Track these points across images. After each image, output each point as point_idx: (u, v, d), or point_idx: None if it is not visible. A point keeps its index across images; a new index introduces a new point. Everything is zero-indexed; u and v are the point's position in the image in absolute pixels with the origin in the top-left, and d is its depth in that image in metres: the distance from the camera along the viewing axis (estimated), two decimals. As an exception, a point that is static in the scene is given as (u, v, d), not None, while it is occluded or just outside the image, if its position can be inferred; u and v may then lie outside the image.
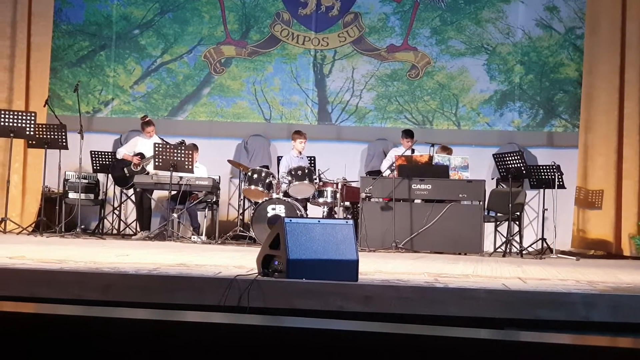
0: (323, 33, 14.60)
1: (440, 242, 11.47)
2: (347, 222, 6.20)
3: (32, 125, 11.97)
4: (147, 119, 13.21)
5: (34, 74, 13.57)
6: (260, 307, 5.56)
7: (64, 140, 12.16)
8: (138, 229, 12.96)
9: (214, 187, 12.54)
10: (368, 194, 11.66)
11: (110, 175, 13.46)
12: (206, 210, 13.00)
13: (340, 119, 14.58)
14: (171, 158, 11.99)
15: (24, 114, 12.11)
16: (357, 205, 12.17)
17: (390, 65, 14.56)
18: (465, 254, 11.28)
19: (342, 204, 12.23)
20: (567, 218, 13.01)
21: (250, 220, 12.25)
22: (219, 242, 12.18)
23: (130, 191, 13.33)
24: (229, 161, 13.52)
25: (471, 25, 14.41)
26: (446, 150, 12.57)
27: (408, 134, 13.08)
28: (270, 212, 11.85)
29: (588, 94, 13.13)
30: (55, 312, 3.97)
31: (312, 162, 13.45)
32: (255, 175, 12.18)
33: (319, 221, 6.14)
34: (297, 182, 12.07)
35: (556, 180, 11.81)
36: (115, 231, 13.80)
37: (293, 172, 12.13)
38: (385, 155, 13.65)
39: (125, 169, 12.87)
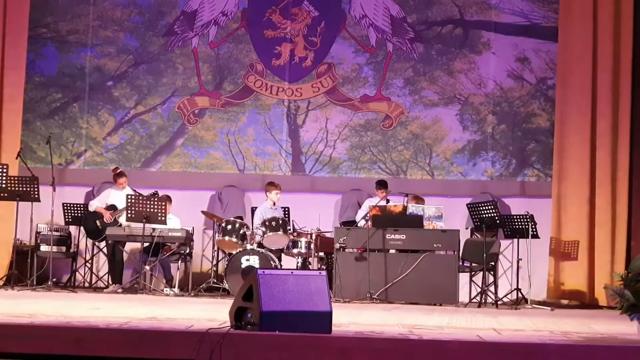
0: (297, 83, 14.65)
1: (415, 293, 11.44)
2: (320, 273, 6.19)
3: (4, 178, 11.89)
4: (119, 171, 13.16)
5: (6, 125, 13.48)
6: (232, 361, 5.51)
7: (36, 193, 12.08)
8: (110, 282, 12.86)
9: (187, 239, 12.47)
10: (342, 245, 11.64)
11: (82, 228, 13.37)
12: (179, 262, 12.91)
13: (314, 170, 14.57)
14: (144, 209, 11.94)
15: (-4, 166, 12.03)
16: (331, 255, 12.14)
17: (364, 116, 14.60)
18: (441, 305, 11.25)
19: (316, 254, 12.20)
20: (542, 267, 13.00)
21: (224, 271, 12.18)
22: (192, 294, 12.10)
23: (103, 243, 13.23)
24: (203, 212, 13.47)
25: (444, 76, 14.50)
26: (418, 199, 12.59)
27: (382, 184, 13.10)
28: (245, 263, 11.81)
29: (560, 144, 13.19)
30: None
31: (286, 212, 13.42)
32: (229, 226, 12.15)
33: (292, 272, 6.13)
34: (271, 233, 12.04)
35: (530, 229, 11.83)
36: (87, 284, 13.68)
37: (267, 223, 12.11)
38: (360, 206, 13.64)
39: (97, 222, 12.78)
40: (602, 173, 12.77)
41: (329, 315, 6.02)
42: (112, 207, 12.80)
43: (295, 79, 14.67)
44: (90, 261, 13.78)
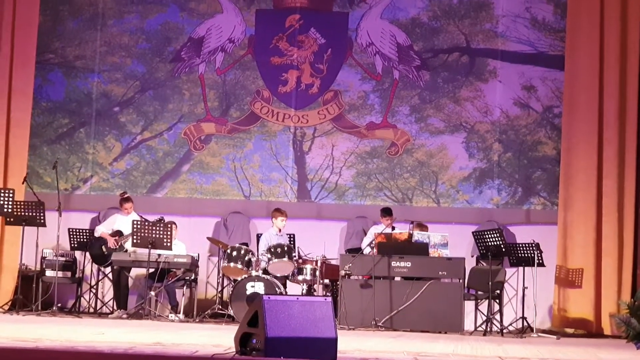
0: (303, 110, 14.67)
1: (420, 320, 11.41)
2: (325, 299, 6.16)
3: (10, 203, 11.91)
4: (126, 196, 13.18)
5: (13, 150, 13.49)
6: (237, 386, 5.49)
7: (42, 218, 12.09)
8: (115, 307, 12.84)
9: (193, 265, 12.46)
10: (347, 272, 11.62)
11: (87, 253, 13.36)
12: (184, 288, 12.88)
13: (320, 197, 14.57)
14: (149, 235, 11.93)
15: (2, 191, 12.05)
16: (336, 283, 12.12)
17: (370, 143, 14.61)
18: (446, 333, 11.23)
19: (321, 281, 12.18)
20: (547, 296, 12.96)
21: (229, 298, 12.16)
22: (197, 320, 12.07)
23: (108, 269, 13.23)
24: (208, 238, 13.47)
25: (450, 104, 14.51)
26: (422, 227, 12.57)
27: (387, 212, 13.09)
28: (250, 289, 11.79)
29: (566, 172, 13.17)
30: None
31: (292, 239, 13.40)
32: (234, 253, 12.14)
33: (297, 298, 6.10)
34: (276, 260, 12.03)
35: (536, 258, 11.80)
36: (92, 310, 13.65)
37: (272, 250, 12.10)
38: (365, 234, 13.63)
39: (103, 247, 12.78)
40: (609, 201, 12.74)
41: (334, 341, 6.00)
42: (118, 233, 12.81)
43: (301, 105, 14.69)
44: (95, 286, 13.76)
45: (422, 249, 11.80)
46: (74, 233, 13.50)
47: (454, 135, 14.47)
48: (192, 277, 12.72)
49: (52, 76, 14.86)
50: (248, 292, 11.75)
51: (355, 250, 12.89)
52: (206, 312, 12.33)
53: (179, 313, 12.45)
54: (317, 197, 14.59)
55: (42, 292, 12.60)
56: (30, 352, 5.92)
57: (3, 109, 13.45)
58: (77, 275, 13.52)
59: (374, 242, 12.09)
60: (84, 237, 13.47)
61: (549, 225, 13.43)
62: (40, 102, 14.72)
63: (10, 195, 11.96)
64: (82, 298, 13.54)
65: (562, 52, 13.78)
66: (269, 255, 12.09)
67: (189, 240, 13.28)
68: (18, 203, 12.16)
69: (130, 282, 12.92)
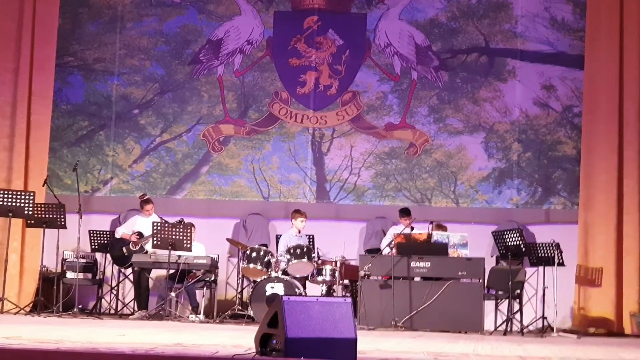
0: (321, 111, 14.68)
1: (440, 321, 11.40)
2: (345, 299, 6.16)
3: (31, 205, 11.98)
4: (146, 197, 13.22)
5: (33, 153, 13.58)
6: (258, 387, 5.51)
7: (62, 220, 12.17)
8: (136, 308, 12.88)
9: (213, 266, 12.49)
10: (367, 272, 11.61)
11: (108, 255, 13.41)
12: (204, 289, 12.93)
13: (339, 197, 14.57)
14: (170, 237, 11.97)
15: (23, 193, 12.13)
16: (356, 283, 12.12)
17: (389, 143, 14.61)
18: (466, 333, 11.21)
19: (341, 282, 12.18)
20: (568, 295, 12.92)
21: (248, 298, 12.19)
22: (217, 321, 12.11)
23: (128, 270, 13.27)
24: (228, 239, 13.50)
25: (468, 104, 14.48)
26: (441, 227, 12.56)
27: (405, 212, 13.08)
28: (269, 290, 11.81)
29: (587, 172, 13.12)
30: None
31: (311, 240, 13.41)
32: (254, 254, 12.17)
33: (317, 299, 6.11)
34: (295, 261, 12.05)
35: (556, 258, 11.77)
36: (112, 311, 13.70)
37: (292, 251, 12.12)
38: (384, 234, 13.62)
39: (124, 248, 12.82)
40: (630, 201, 12.68)
41: (354, 342, 6.00)
42: (138, 234, 12.84)
43: (320, 106, 14.70)
44: (116, 288, 13.81)
45: (441, 249, 11.79)
46: (95, 235, 13.56)
47: (472, 135, 14.44)
48: (212, 278, 12.75)
49: (71, 79, 14.93)
50: (268, 293, 11.78)
51: (375, 251, 12.88)
52: (226, 313, 12.37)
53: (199, 314, 12.47)
54: (336, 198, 14.59)
55: (63, 293, 12.65)
56: (51, 353, 5.95)
57: (23, 112, 13.53)
58: (97, 277, 13.59)
59: (393, 243, 12.08)
60: (105, 238, 13.54)
61: (569, 225, 13.39)
62: (60, 105, 14.79)
63: (31, 197, 12.03)
64: (102, 299, 13.61)
65: (582, 52, 13.73)
66: (288, 256, 12.11)
67: (208, 242, 13.31)
68: (38, 205, 12.23)
69: (151, 283, 12.96)
